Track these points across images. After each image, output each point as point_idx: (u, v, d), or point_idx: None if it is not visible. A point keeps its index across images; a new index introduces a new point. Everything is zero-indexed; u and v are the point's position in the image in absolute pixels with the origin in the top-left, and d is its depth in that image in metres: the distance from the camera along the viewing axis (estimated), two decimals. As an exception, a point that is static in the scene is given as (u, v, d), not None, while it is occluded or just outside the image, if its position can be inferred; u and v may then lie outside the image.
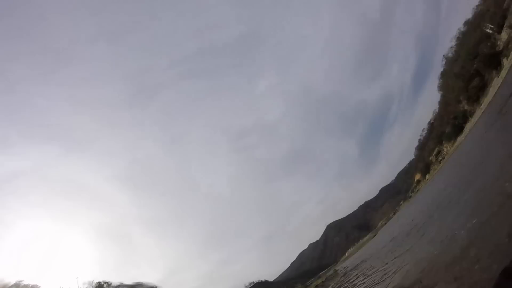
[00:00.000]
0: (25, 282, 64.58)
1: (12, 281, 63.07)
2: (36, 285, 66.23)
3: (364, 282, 17.44)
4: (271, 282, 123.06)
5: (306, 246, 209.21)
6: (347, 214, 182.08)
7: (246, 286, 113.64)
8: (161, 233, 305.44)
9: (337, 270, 43.61)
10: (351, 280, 21.96)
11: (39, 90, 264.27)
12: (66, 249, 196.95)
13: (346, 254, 67.98)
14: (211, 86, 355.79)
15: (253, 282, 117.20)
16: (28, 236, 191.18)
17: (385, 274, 14.68)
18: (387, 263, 16.73)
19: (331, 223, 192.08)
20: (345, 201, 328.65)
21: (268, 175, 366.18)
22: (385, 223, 61.23)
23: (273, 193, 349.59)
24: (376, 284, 14.30)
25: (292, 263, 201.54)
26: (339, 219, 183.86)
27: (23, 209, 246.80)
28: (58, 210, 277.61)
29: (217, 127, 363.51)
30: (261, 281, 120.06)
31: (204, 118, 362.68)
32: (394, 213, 64.74)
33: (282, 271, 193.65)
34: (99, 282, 79.59)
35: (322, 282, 39.45)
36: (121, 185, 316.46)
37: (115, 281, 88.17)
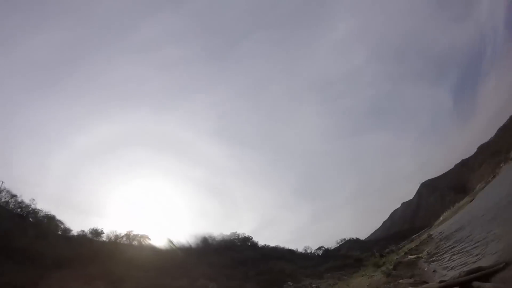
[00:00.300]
0: (135, 233, 75.71)
1: (123, 232, 74.50)
2: (145, 235, 77.01)
3: (462, 251, 17.22)
4: (362, 241, 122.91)
5: (398, 205, 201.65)
6: (442, 173, 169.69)
7: (337, 243, 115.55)
8: (253, 186, 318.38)
9: (432, 235, 42.80)
10: (448, 248, 21.77)
11: (125, 60, 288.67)
12: (169, 202, 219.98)
13: (441, 218, 65.31)
14: (289, 33, 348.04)
15: (344, 239, 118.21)
16: (133, 192, 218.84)
17: (486, 244, 14.57)
18: (488, 232, 16.32)
19: (425, 181, 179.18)
20: (440, 158, 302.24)
21: (356, 126, 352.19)
22: (484, 187, 57.21)
23: (362, 146, 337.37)
24: (477, 254, 14.37)
25: (384, 222, 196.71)
26: (434, 178, 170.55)
27: (126, 167, 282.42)
28: (157, 166, 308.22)
29: (301, 76, 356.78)
30: (353, 238, 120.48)
31: (286, 69, 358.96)
32: (494, 176, 59.86)
33: (374, 230, 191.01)
34: (203, 235, 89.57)
35: (416, 246, 39.16)
36: (213, 139, 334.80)
37: (215, 232, 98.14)
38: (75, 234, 68.13)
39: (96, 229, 72.51)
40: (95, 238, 70.39)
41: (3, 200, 61.11)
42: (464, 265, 14.03)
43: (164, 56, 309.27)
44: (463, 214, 40.61)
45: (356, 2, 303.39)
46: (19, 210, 62.64)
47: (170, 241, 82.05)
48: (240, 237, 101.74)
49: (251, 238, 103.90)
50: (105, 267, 51.67)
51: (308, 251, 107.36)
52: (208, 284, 54.73)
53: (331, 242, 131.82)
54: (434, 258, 20.75)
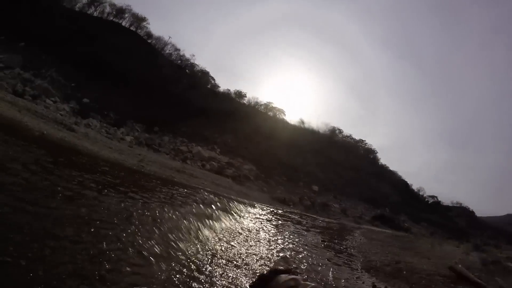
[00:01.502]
0: (274, 105, 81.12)
1: (263, 100, 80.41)
2: (282, 109, 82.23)
3: None
4: (477, 216, 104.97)
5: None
6: None
7: (452, 202, 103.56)
8: (404, 106, 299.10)
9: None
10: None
11: None
12: (313, 87, 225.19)
13: None
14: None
15: (460, 203, 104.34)
16: (283, 69, 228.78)
17: None
18: None
19: None
20: None
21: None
22: None
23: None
24: None
25: (507, 214, 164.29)
26: None
27: (284, 45, 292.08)
28: (314, 52, 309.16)
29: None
30: (468, 208, 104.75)
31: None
32: None
33: (495, 214, 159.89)
34: (334, 127, 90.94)
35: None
36: (381, 46, 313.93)
37: (345, 130, 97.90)
38: (221, 91, 75.56)
39: (240, 92, 78.82)
40: (237, 98, 77.05)
41: (167, 51, 70.85)
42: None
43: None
44: None
45: None
46: (179, 62, 72.12)
47: (302, 121, 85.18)
48: (365, 146, 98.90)
49: (375, 153, 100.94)
50: (236, 125, 58.01)
51: (421, 193, 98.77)
52: (312, 186, 54.50)
53: (446, 198, 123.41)
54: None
